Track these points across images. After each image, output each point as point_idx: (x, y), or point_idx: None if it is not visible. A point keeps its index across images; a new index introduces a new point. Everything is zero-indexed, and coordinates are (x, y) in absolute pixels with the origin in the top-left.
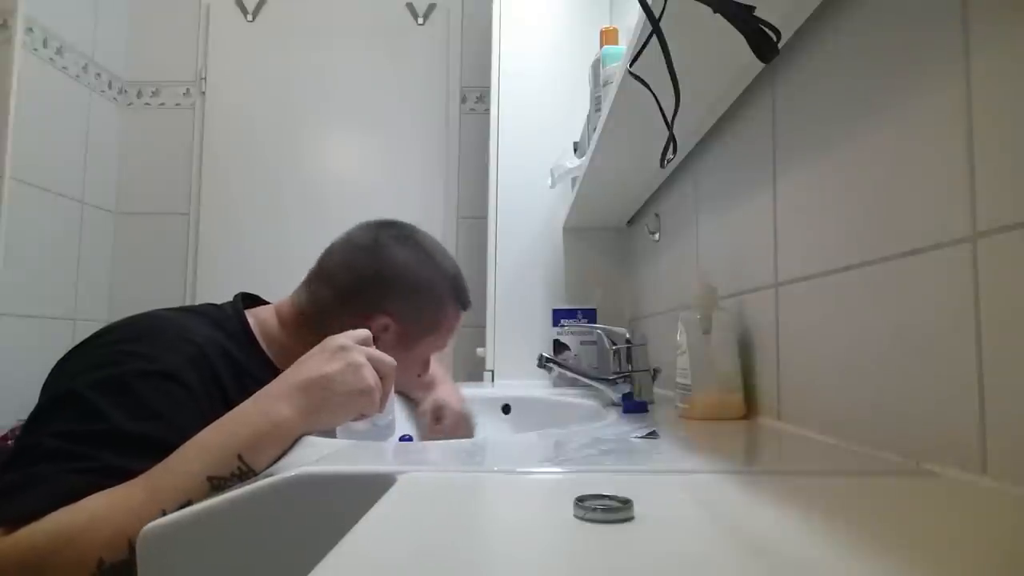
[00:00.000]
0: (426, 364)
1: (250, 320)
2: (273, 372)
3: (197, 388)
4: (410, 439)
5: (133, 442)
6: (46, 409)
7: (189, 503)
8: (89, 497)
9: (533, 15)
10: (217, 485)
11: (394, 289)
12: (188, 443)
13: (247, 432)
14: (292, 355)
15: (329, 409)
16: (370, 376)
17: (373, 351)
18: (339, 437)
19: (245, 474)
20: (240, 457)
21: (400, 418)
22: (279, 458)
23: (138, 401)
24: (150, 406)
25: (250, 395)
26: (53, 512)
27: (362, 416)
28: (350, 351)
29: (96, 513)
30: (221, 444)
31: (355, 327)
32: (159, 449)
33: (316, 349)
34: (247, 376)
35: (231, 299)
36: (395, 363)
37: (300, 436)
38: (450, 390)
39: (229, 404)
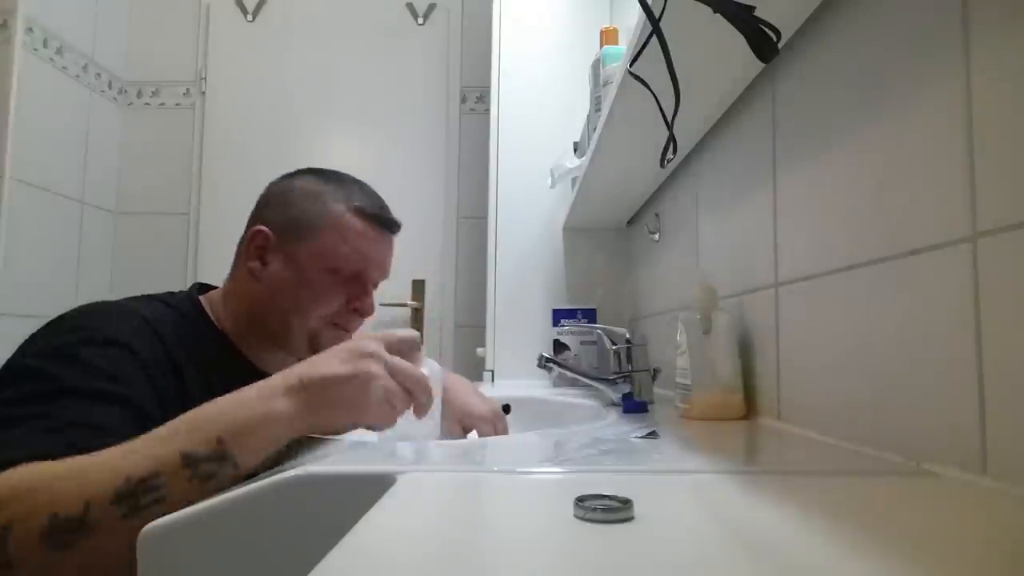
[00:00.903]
0: (352, 284)
1: (203, 301)
2: (227, 345)
3: (144, 354)
4: None
5: (91, 397)
6: None
7: (158, 476)
8: (71, 458)
9: (533, 15)
10: (190, 464)
11: (274, 202)
12: (179, 416)
13: (235, 416)
14: (231, 316)
15: (329, 414)
16: (378, 389)
17: (398, 362)
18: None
19: (222, 459)
20: (220, 440)
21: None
22: (274, 456)
23: (87, 365)
24: (100, 368)
25: (205, 371)
26: (23, 465)
27: (375, 428)
28: (369, 359)
29: (68, 468)
30: (205, 422)
31: (241, 250)
32: (118, 404)
33: (339, 346)
34: (201, 352)
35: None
36: (423, 375)
37: (296, 436)
38: (461, 388)
39: (184, 381)
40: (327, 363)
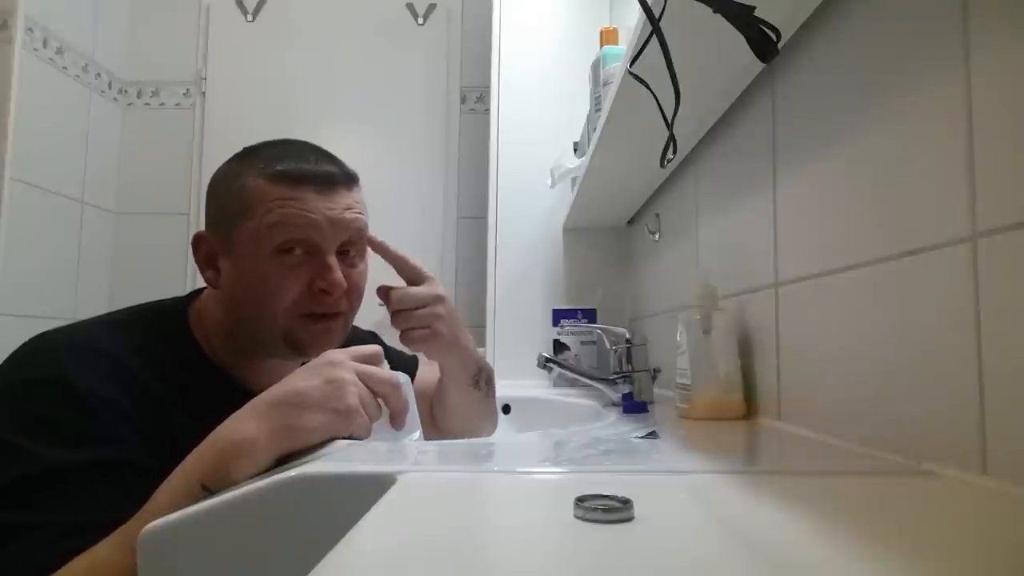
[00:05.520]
0: (309, 261)
1: (194, 316)
2: (215, 368)
3: (120, 400)
4: None
5: (80, 479)
6: None
7: None
8: (70, 563)
9: (533, 15)
10: None
11: (206, 202)
12: (162, 484)
13: (209, 455)
14: (215, 333)
15: (299, 428)
16: (351, 395)
17: (367, 368)
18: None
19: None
20: (203, 486)
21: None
22: (258, 475)
23: (61, 430)
24: (76, 432)
25: (192, 402)
26: None
27: (351, 437)
28: (336, 367)
29: None
30: (186, 476)
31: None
32: (109, 474)
33: (306, 365)
34: (185, 381)
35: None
36: (397, 380)
37: (274, 456)
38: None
39: (169, 417)
40: (293, 380)
